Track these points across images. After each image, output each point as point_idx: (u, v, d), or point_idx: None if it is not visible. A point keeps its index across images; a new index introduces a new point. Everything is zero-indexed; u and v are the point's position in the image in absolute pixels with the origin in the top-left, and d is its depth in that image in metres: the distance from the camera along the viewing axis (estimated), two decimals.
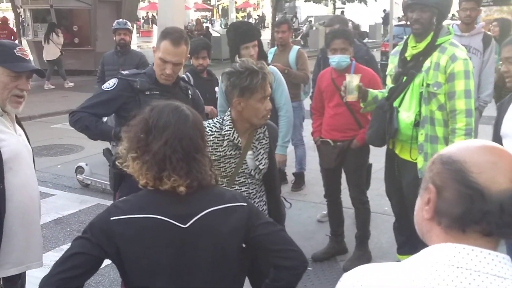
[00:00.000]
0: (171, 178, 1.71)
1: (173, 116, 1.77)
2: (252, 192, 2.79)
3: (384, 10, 27.60)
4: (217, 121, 2.74)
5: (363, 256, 4.34)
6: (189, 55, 3.47)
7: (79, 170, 6.57)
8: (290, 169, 6.39)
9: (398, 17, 20.67)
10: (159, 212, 1.70)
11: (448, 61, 3.29)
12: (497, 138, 3.00)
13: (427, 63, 3.37)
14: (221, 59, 17.33)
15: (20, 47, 2.40)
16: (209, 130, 2.68)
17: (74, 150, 8.18)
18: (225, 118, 2.72)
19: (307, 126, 5.45)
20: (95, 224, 1.72)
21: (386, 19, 20.90)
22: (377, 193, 5.13)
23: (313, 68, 5.53)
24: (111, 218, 1.70)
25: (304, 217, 5.41)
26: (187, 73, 5.04)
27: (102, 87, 3.19)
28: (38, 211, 2.56)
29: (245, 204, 1.82)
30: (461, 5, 5.08)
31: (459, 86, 3.28)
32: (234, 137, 2.67)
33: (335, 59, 4.17)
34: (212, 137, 2.67)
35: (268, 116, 2.66)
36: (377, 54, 14.43)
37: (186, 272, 1.73)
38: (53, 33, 14.21)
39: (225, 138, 2.68)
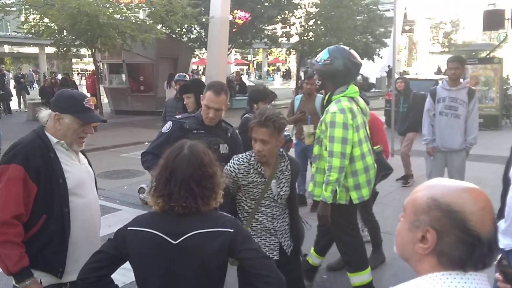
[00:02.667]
0: (171, 203, 1.78)
1: (174, 159, 1.82)
2: (276, 213, 2.80)
3: (389, 66, 27.50)
4: (248, 155, 2.78)
5: (378, 258, 4.33)
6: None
7: (141, 190, 6.68)
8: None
9: (400, 72, 20.56)
10: (158, 228, 1.78)
11: (325, 113, 3.32)
12: (506, 178, 2.69)
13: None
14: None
15: (88, 98, 2.38)
16: (242, 161, 2.73)
17: (137, 174, 8.33)
18: (252, 153, 2.77)
19: None
20: (119, 231, 1.85)
21: (390, 73, 20.87)
22: (381, 215, 5.06)
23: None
24: (128, 228, 1.83)
25: None
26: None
27: (161, 130, 3.28)
28: (99, 227, 2.54)
29: (231, 230, 1.79)
30: (448, 65, 5.09)
31: (329, 133, 3.22)
32: (258, 166, 2.72)
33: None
34: (243, 167, 2.73)
35: (258, 155, 2.66)
36: (382, 102, 14.40)
37: (173, 279, 1.78)
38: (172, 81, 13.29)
39: (251, 167, 2.72)
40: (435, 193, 1.06)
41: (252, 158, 2.73)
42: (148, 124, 13.82)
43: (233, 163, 2.75)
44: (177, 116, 3.41)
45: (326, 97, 3.40)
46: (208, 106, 3.12)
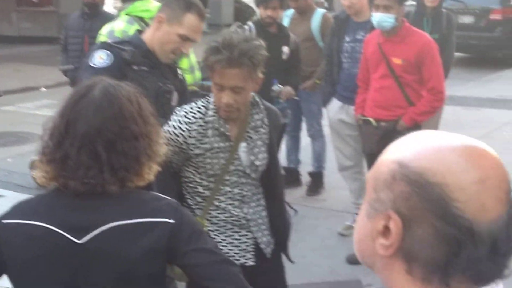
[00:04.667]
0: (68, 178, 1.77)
1: (75, 103, 1.81)
2: (247, 194, 2.84)
3: None
4: (202, 105, 2.77)
5: None
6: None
7: (35, 165, 6.62)
8: (306, 167, 6.44)
9: None
10: (51, 220, 1.77)
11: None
12: None
13: None
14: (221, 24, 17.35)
15: None
16: (192, 116, 2.73)
17: (29, 140, 8.22)
18: (210, 100, 2.76)
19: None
20: None
21: None
22: None
23: (327, 41, 5.58)
24: (3, 221, 1.80)
25: (322, 229, 5.46)
26: (250, 23, 5.17)
27: (91, 64, 3.10)
28: None
29: (171, 220, 1.80)
30: None
31: None
32: (220, 124, 2.72)
33: (376, 18, 4.36)
34: (196, 126, 2.72)
35: (227, 111, 2.68)
36: None
37: None
38: None
39: (209, 125, 2.72)
40: (405, 155, 1.00)
41: (211, 111, 2.73)
42: (45, 59, 13.57)
43: (179, 120, 2.75)
44: (108, 41, 3.30)
45: None
46: (187, 37, 3.11)
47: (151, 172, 1.88)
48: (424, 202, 0.94)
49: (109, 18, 6.86)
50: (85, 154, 1.76)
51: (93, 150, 1.76)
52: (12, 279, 1.82)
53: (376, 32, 4.58)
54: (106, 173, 1.76)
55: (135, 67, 3.10)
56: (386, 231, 0.99)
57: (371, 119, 4.53)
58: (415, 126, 4.34)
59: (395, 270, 1.00)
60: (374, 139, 4.47)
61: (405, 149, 1.01)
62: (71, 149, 1.76)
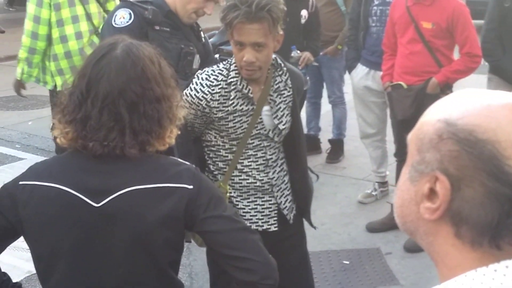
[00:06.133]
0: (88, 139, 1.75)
1: (97, 62, 1.78)
2: (271, 158, 2.82)
3: None
4: (224, 67, 2.73)
5: None
6: None
7: (55, 127, 6.64)
8: (326, 134, 6.41)
9: None
10: (68, 182, 1.76)
11: None
12: None
13: None
14: None
15: None
16: (214, 79, 2.70)
17: (47, 103, 8.26)
18: (231, 62, 2.72)
19: (349, 80, 5.45)
20: (4, 188, 1.83)
21: None
22: None
23: (352, 5, 5.48)
24: (20, 182, 1.80)
25: (341, 197, 5.45)
26: None
27: (113, 23, 3.11)
28: None
29: (190, 186, 1.79)
30: None
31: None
32: (243, 85, 2.68)
33: None
34: (219, 88, 2.69)
35: (250, 69, 2.62)
36: None
37: (93, 263, 1.78)
38: None
39: (232, 87, 2.69)
40: (451, 113, 0.96)
41: (232, 73, 2.69)
42: None
43: (201, 83, 2.71)
44: None
45: None
46: None
47: (172, 135, 1.86)
48: (474, 160, 0.91)
49: None
50: (107, 114, 1.73)
51: (116, 111, 1.73)
52: (29, 240, 1.83)
53: None
54: (127, 136, 1.74)
55: (156, 27, 3.08)
56: (432, 194, 0.95)
57: (402, 83, 4.43)
58: (446, 86, 4.27)
59: (442, 235, 0.96)
60: (406, 103, 4.37)
61: (450, 107, 0.97)
62: (92, 109, 1.74)
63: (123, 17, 3.07)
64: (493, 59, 4.68)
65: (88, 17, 4.72)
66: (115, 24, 3.05)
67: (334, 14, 5.86)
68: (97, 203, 1.75)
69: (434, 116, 0.98)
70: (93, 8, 4.81)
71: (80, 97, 1.76)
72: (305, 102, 5.79)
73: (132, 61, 1.77)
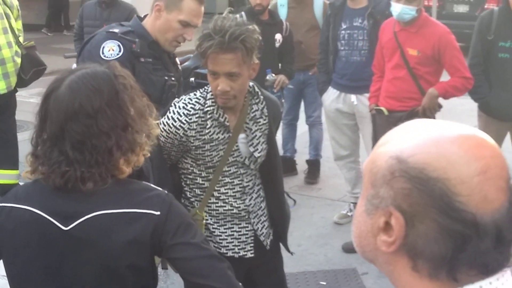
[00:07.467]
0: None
1: (48, 95, 1.79)
2: (248, 185, 2.82)
3: None
4: (201, 96, 2.73)
5: None
6: None
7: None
8: (302, 156, 6.45)
9: None
10: (40, 205, 1.77)
11: None
12: None
13: None
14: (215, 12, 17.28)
15: None
16: (191, 107, 2.69)
17: (23, 128, 8.18)
18: (208, 90, 2.72)
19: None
20: None
21: None
22: None
23: (321, 29, 5.55)
24: (0, 204, 1.83)
25: (318, 218, 5.47)
26: (242, 13, 5.16)
27: (102, 55, 3.00)
28: None
29: (157, 212, 1.77)
30: None
31: None
32: (219, 114, 2.68)
33: (396, 9, 4.31)
34: (196, 117, 2.68)
35: (224, 98, 2.63)
36: None
37: (62, 286, 1.79)
38: None
39: (208, 116, 2.69)
40: (402, 149, 0.97)
41: (209, 101, 2.69)
42: (38, 47, 13.40)
43: (178, 112, 2.69)
44: (115, 30, 3.14)
45: None
46: (188, 24, 3.09)
47: (129, 163, 1.82)
48: (426, 198, 0.93)
49: (127, 8, 6.79)
50: (56, 152, 1.75)
51: (63, 149, 1.75)
52: (5, 264, 1.84)
53: (392, 19, 4.53)
54: (77, 171, 1.74)
55: (142, 59, 3.06)
56: (387, 227, 0.98)
57: (382, 108, 4.50)
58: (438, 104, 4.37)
59: (400, 267, 0.99)
60: (386, 129, 4.41)
61: (402, 142, 0.99)
62: (44, 147, 1.78)
63: (112, 49, 3.00)
64: (479, 97, 4.73)
65: (12, 30, 4.97)
66: (104, 56, 2.95)
67: (318, 37, 5.89)
68: (66, 226, 1.75)
69: (386, 149, 1.00)
70: (13, 23, 5.04)
71: (38, 133, 1.81)
72: (281, 123, 5.82)
73: (70, 97, 1.75)
